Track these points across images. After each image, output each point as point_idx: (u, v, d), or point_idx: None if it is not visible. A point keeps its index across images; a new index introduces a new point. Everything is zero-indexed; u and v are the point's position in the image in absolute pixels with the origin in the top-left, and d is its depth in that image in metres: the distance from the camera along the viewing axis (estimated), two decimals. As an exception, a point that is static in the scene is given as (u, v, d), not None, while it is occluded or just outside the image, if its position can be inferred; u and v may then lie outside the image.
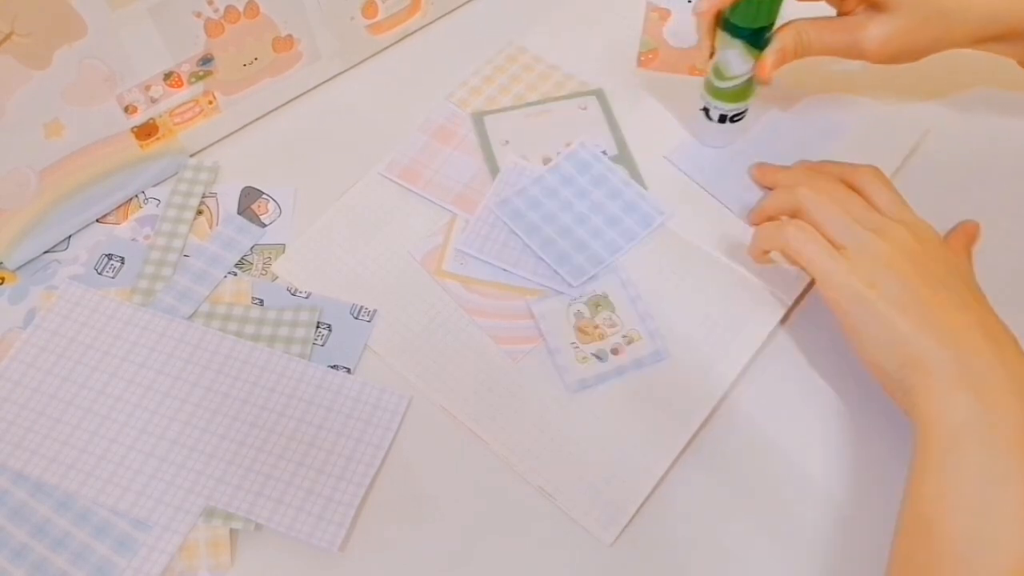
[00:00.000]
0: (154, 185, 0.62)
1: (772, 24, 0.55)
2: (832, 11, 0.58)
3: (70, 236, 0.60)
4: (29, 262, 0.59)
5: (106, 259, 0.59)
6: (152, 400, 0.53)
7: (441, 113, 0.65)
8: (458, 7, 0.72)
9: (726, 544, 0.49)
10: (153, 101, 0.60)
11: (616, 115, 0.65)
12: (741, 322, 0.55)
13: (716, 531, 0.49)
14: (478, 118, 0.64)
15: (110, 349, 0.54)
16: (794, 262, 0.52)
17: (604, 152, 0.62)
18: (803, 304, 0.56)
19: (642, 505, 0.50)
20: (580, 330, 0.55)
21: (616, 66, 0.68)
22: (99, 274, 0.58)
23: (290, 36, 0.63)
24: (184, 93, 0.61)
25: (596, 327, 0.55)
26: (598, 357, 0.54)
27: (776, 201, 0.55)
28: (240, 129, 0.65)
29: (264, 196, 0.62)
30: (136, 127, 0.60)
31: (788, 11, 0.55)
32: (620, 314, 0.55)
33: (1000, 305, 0.49)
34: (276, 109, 0.66)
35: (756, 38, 0.55)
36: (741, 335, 0.55)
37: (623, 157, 0.62)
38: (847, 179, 0.54)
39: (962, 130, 0.63)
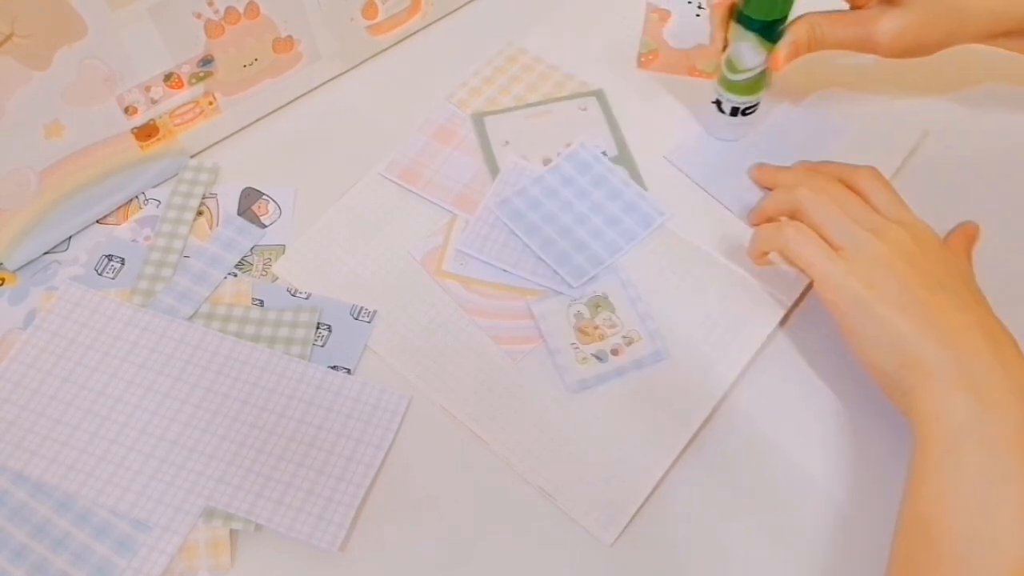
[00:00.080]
0: (154, 186, 0.62)
1: (786, 17, 0.55)
2: (845, 5, 0.58)
3: (70, 237, 0.60)
4: (29, 263, 0.59)
5: (106, 260, 0.59)
6: (152, 401, 0.53)
7: (441, 114, 0.65)
8: (458, 8, 0.72)
9: (726, 544, 0.49)
10: (153, 102, 0.60)
11: (616, 115, 0.65)
12: (741, 322, 0.55)
13: (716, 531, 0.49)
14: (478, 119, 0.64)
15: (110, 350, 0.54)
16: (793, 263, 0.52)
17: (604, 152, 0.62)
18: (803, 305, 0.56)
19: (642, 505, 0.50)
20: (580, 330, 0.55)
21: (616, 67, 0.68)
22: (99, 275, 0.58)
23: (290, 37, 0.63)
24: (184, 94, 0.61)
25: (596, 327, 0.55)
26: (598, 357, 0.54)
27: (775, 201, 0.55)
28: (240, 130, 0.65)
29: (264, 197, 0.62)
30: (136, 128, 0.60)
31: (801, 5, 0.55)
32: (620, 314, 0.55)
33: (1000, 305, 0.49)
34: (276, 110, 0.66)
35: (769, 31, 0.55)
36: (741, 335, 0.55)
37: (623, 157, 0.62)
38: (846, 180, 0.54)
39: (970, 127, 0.64)
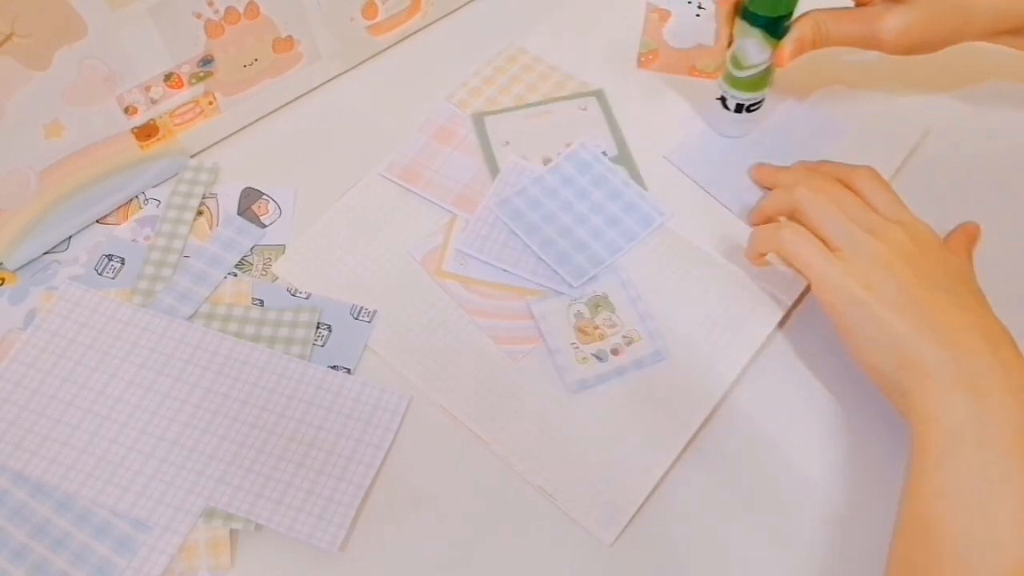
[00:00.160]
0: (154, 186, 0.62)
1: (791, 13, 0.55)
2: (850, 2, 0.58)
3: (70, 237, 0.60)
4: (29, 263, 0.59)
5: (106, 260, 0.59)
6: (152, 401, 0.53)
7: (441, 114, 0.65)
8: (458, 8, 0.72)
9: (726, 544, 0.49)
10: (153, 102, 0.60)
11: (616, 115, 0.65)
12: (741, 322, 0.55)
13: (716, 531, 0.49)
14: (478, 119, 0.64)
15: (110, 350, 0.54)
16: (789, 264, 0.52)
17: (604, 152, 0.62)
18: (803, 305, 0.56)
19: (642, 505, 0.50)
20: (580, 330, 0.55)
21: (616, 66, 0.68)
22: (99, 275, 0.58)
23: (290, 37, 0.63)
24: (184, 94, 0.61)
25: (596, 327, 0.55)
26: (598, 357, 0.54)
27: (774, 201, 0.55)
28: (240, 130, 0.65)
29: (264, 197, 0.62)
30: (136, 128, 0.60)
31: (806, 2, 0.55)
32: (620, 314, 0.55)
33: (1001, 305, 0.48)
34: (276, 110, 0.66)
35: (774, 27, 0.55)
36: (741, 335, 0.55)
37: (623, 157, 0.62)
38: (844, 180, 0.54)
39: (973, 125, 0.64)
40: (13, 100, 0.53)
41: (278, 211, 0.61)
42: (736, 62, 0.58)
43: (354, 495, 0.50)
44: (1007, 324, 0.47)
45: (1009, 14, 0.55)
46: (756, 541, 0.49)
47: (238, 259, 0.59)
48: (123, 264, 0.58)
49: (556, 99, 0.66)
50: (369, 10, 0.66)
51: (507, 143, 0.63)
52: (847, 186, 0.54)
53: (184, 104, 0.61)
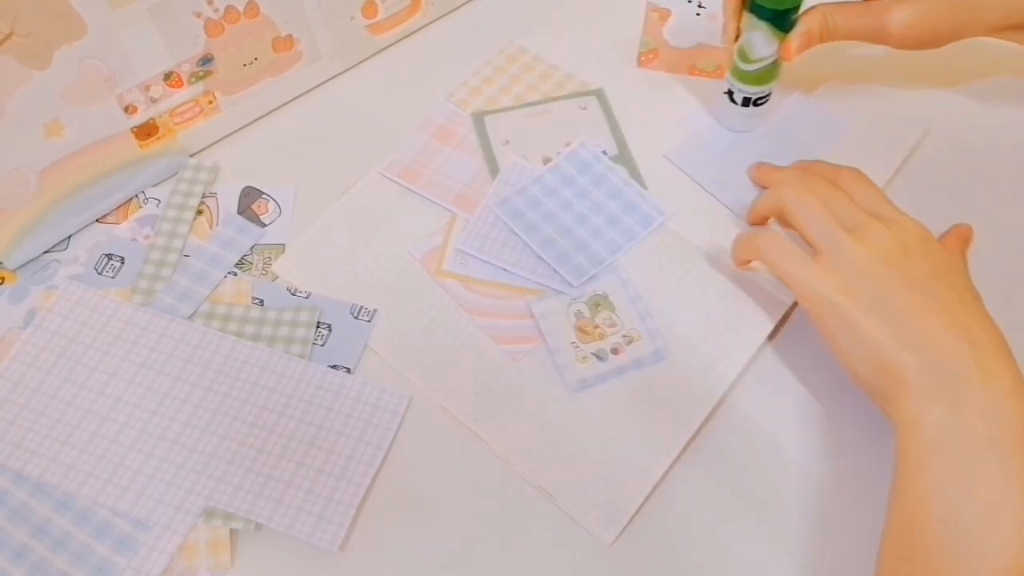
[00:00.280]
0: (154, 185, 0.62)
1: (798, 6, 0.55)
2: None
3: (70, 236, 0.60)
4: (29, 262, 0.59)
5: (106, 259, 0.59)
6: (152, 400, 0.53)
7: (441, 113, 0.65)
8: (458, 7, 0.72)
9: (726, 544, 0.49)
10: (153, 101, 0.60)
11: (616, 115, 0.65)
12: (741, 322, 0.55)
13: (716, 531, 0.49)
14: (478, 118, 0.64)
15: (110, 349, 0.54)
16: (770, 272, 0.52)
17: (604, 152, 0.62)
18: (803, 304, 0.56)
19: (642, 505, 0.50)
20: (580, 330, 0.55)
21: (616, 66, 0.68)
22: (99, 274, 0.58)
23: (290, 36, 0.63)
24: (184, 93, 0.61)
25: (596, 327, 0.55)
26: (598, 357, 0.54)
27: (765, 201, 0.55)
28: (240, 129, 0.65)
29: (264, 196, 0.62)
30: (136, 127, 0.60)
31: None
32: (620, 314, 0.55)
33: (1001, 306, 0.48)
34: (276, 109, 0.66)
35: (782, 20, 0.55)
36: (741, 335, 0.55)
37: (623, 157, 0.62)
38: (831, 179, 0.54)
39: (979, 122, 0.64)
40: (13, 100, 0.53)
41: (278, 210, 0.61)
42: (743, 55, 0.58)
43: (354, 494, 0.50)
44: (1007, 325, 0.47)
45: (1018, 9, 0.55)
46: (756, 541, 0.49)
47: (238, 258, 0.59)
48: (123, 263, 0.58)
49: (556, 98, 0.66)
50: (369, 9, 0.66)
51: (507, 142, 0.63)
52: (835, 185, 0.54)
53: (184, 103, 0.61)
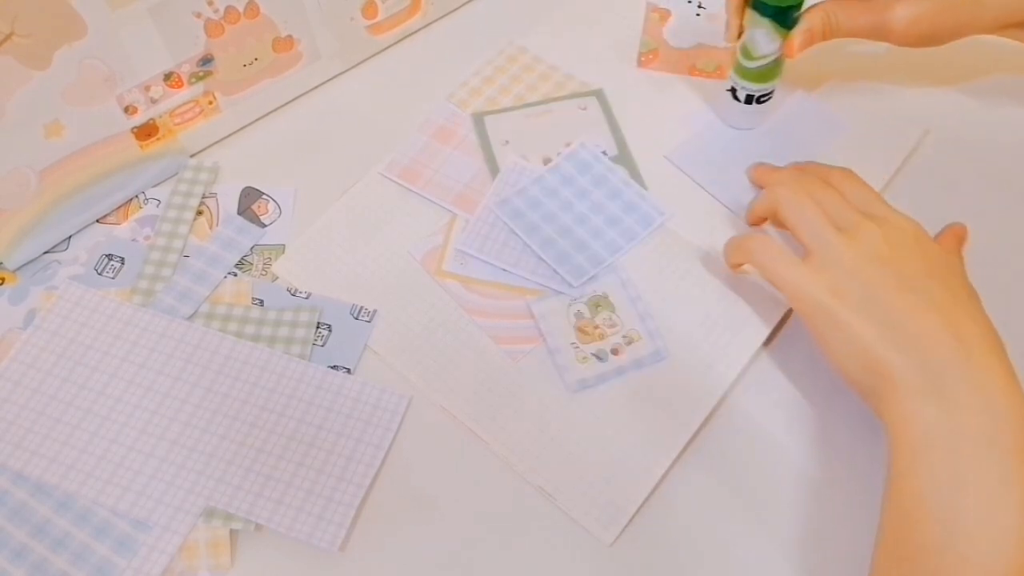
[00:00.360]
0: (154, 185, 0.62)
1: (800, 3, 0.55)
2: None
3: (70, 236, 0.60)
4: (29, 262, 0.59)
5: (106, 259, 0.59)
6: (152, 400, 0.53)
7: (441, 113, 0.65)
8: (458, 7, 0.72)
9: (726, 544, 0.49)
10: (153, 101, 0.60)
11: (616, 115, 0.65)
12: (741, 322, 0.55)
13: (716, 531, 0.49)
14: (478, 118, 0.64)
15: (110, 350, 0.54)
16: (761, 275, 0.52)
17: (604, 152, 0.62)
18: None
19: (642, 505, 0.50)
20: (580, 330, 0.55)
21: (616, 66, 0.68)
22: (99, 274, 0.58)
23: (290, 36, 0.63)
24: (184, 93, 0.61)
25: (596, 327, 0.55)
26: (598, 357, 0.54)
27: (760, 202, 0.56)
28: (240, 129, 0.65)
29: (264, 196, 0.62)
30: (136, 127, 0.60)
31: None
32: (620, 314, 0.55)
33: (1001, 306, 0.48)
34: (276, 109, 0.66)
35: (784, 17, 0.56)
36: (741, 335, 0.55)
37: (623, 157, 0.62)
38: (824, 179, 0.54)
39: (980, 120, 0.64)
40: (13, 100, 0.53)
41: (278, 211, 0.61)
42: (746, 53, 0.58)
43: (354, 495, 0.50)
44: (1006, 325, 0.47)
45: (1019, 6, 0.55)
46: (756, 541, 0.49)
47: (238, 259, 0.59)
48: (123, 264, 0.58)
49: (556, 99, 0.66)
50: (369, 9, 0.66)
51: (507, 143, 0.63)
52: (829, 185, 0.54)
53: (184, 104, 0.61)
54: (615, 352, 0.54)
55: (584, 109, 0.65)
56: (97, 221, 0.61)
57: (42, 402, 0.53)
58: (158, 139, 0.61)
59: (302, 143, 0.65)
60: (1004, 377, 0.44)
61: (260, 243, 0.60)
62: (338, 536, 0.49)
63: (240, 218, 0.61)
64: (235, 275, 0.58)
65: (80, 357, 0.54)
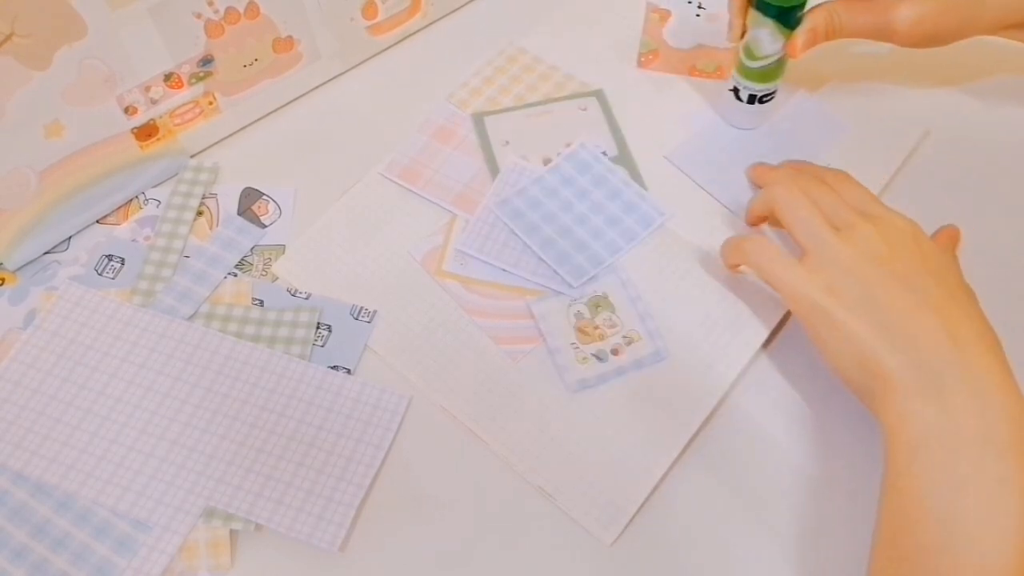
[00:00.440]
0: (154, 186, 0.62)
1: (803, 3, 0.55)
2: None
3: (70, 237, 0.60)
4: (29, 263, 0.59)
5: (106, 260, 0.59)
6: (152, 401, 0.53)
7: (441, 114, 0.65)
8: (458, 8, 0.72)
9: (726, 544, 0.49)
10: (153, 102, 0.60)
11: (616, 115, 0.65)
12: (741, 322, 0.55)
13: (716, 531, 0.49)
14: (478, 118, 0.64)
15: (110, 350, 0.54)
16: (758, 276, 0.52)
17: (604, 152, 0.62)
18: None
19: (642, 505, 0.50)
20: (580, 330, 0.55)
21: (616, 66, 0.68)
22: (99, 275, 0.58)
23: (290, 37, 0.63)
24: (184, 94, 0.61)
25: (596, 327, 0.55)
26: (598, 357, 0.54)
27: (758, 202, 0.56)
28: (240, 130, 0.65)
29: (264, 197, 0.62)
30: (136, 128, 0.60)
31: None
32: (620, 314, 0.55)
33: (1000, 307, 0.48)
34: (276, 110, 0.66)
35: (787, 17, 0.56)
36: (741, 335, 0.55)
37: (623, 157, 0.62)
38: (819, 179, 0.54)
39: (983, 121, 0.64)
40: (13, 100, 0.53)
41: (278, 211, 0.61)
42: (749, 53, 0.58)
43: (354, 495, 0.50)
44: (1006, 324, 0.47)
45: (1021, 7, 0.55)
46: (756, 541, 0.49)
47: (238, 259, 0.59)
48: (123, 264, 0.58)
49: (556, 99, 0.66)
50: (369, 10, 0.66)
51: (507, 143, 0.63)
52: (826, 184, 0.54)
53: (184, 104, 0.61)
54: (615, 352, 0.54)
55: (584, 109, 0.65)
56: (97, 221, 0.61)
57: (42, 402, 0.53)
58: (158, 139, 0.61)
59: (302, 143, 0.65)
60: (1001, 376, 0.44)
61: (260, 243, 0.60)
62: (338, 536, 0.49)
63: (240, 218, 0.61)
64: (235, 275, 0.58)
65: (80, 357, 0.54)
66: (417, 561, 0.49)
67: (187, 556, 0.48)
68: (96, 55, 0.55)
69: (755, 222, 0.57)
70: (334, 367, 0.54)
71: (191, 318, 0.56)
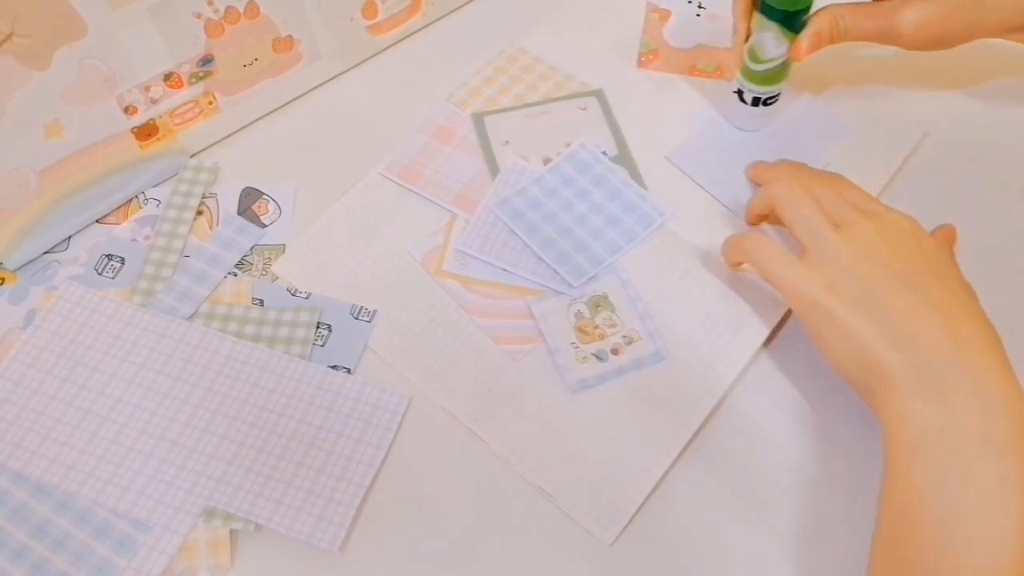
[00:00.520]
0: (154, 186, 0.62)
1: (808, 7, 0.55)
2: None
3: (70, 236, 0.60)
4: (29, 262, 0.59)
5: (106, 259, 0.59)
6: (152, 401, 0.53)
7: (441, 114, 0.65)
8: (458, 8, 0.72)
9: (726, 544, 0.49)
10: (153, 102, 0.60)
11: (616, 115, 0.65)
12: (741, 322, 0.55)
13: (716, 531, 0.49)
14: (478, 118, 0.64)
15: (110, 350, 0.54)
16: (759, 274, 0.52)
17: (604, 152, 0.62)
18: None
19: (642, 505, 0.50)
20: (580, 330, 0.55)
21: (616, 66, 0.68)
22: (99, 274, 0.58)
23: (290, 37, 0.63)
24: (184, 94, 0.61)
25: (596, 327, 0.55)
26: (598, 357, 0.54)
27: (757, 200, 0.56)
28: (240, 129, 0.65)
29: (264, 196, 0.62)
30: (136, 127, 0.60)
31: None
32: (620, 314, 0.55)
33: (1000, 307, 0.48)
34: (276, 109, 0.66)
35: (792, 21, 0.56)
36: (741, 335, 0.55)
37: (623, 157, 0.62)
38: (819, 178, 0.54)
39: (986, 123, 0.64)
40: (13, 100, 0.53)
41: (278, 211, 0.61)
42: (753, 56, 0.58)
43: (354, 495, 0.50)
44: (1006, 324, 0.47)
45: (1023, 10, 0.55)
46: (756, 541, 0.49)
47: (238, 259, 0.59)
48: (123, 264, 0.58)
49: (556, 99, 0.66)
50: (369, 10, 0.66)
51: (507, 143, 0.63)
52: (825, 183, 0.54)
53: (184, 104, 0.61)
54: (615, 352, 0.54)
55: (584, 109, 0.65)
56: (97, 221, 0.61)
57: (42, 402, 0.53)
58: (158, 139, 0.61)
59: (302, 143, 0.65)
60: (1001, 375, 0.44)
61: (260, 243, 0.60)
62: (338, 536, 0.49)
63: (240, 218, 0.61)
64: (235, 275, 0.58)
65: (80, 357, 0.54)
66: (417, 561, 0.49)
67: (187, 556, 0.48)
68: (96, 55, 0.55)
69: (755, 220, 0.57)
70: (334, 367, 0.54)
71: (191, 318, 0.56)
